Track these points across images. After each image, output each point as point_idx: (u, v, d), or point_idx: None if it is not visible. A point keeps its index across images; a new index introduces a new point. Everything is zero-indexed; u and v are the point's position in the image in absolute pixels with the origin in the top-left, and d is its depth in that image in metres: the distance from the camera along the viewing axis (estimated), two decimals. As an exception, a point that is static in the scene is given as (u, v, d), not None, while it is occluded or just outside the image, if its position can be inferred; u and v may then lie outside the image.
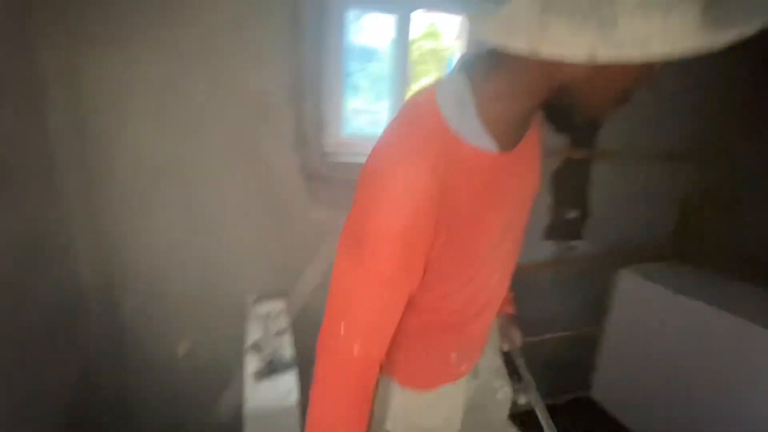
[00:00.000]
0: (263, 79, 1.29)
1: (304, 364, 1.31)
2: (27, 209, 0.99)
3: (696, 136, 1.86)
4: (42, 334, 1.02)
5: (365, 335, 0.54)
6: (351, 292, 0.53)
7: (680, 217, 1.98)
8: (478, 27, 0.40)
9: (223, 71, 1.25)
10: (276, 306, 1.38)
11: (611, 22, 0.32)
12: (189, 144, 1.27)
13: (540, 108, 0.52)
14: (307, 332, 1.56)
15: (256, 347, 1.16)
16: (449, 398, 0.74)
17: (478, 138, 0.51)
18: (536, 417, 0.85)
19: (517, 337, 0.91)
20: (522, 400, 0.89)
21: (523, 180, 0.61)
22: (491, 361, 0.86)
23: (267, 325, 1.26)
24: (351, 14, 1.41)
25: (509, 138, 0.53)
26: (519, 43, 0.36)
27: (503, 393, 0.87)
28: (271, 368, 1.07)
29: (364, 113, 1.57)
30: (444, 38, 1.65)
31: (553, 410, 0.84)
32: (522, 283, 1.08)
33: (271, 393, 1.00)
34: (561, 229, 1.79)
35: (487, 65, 0.50)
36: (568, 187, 1.74)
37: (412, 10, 1.42)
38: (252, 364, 1.10)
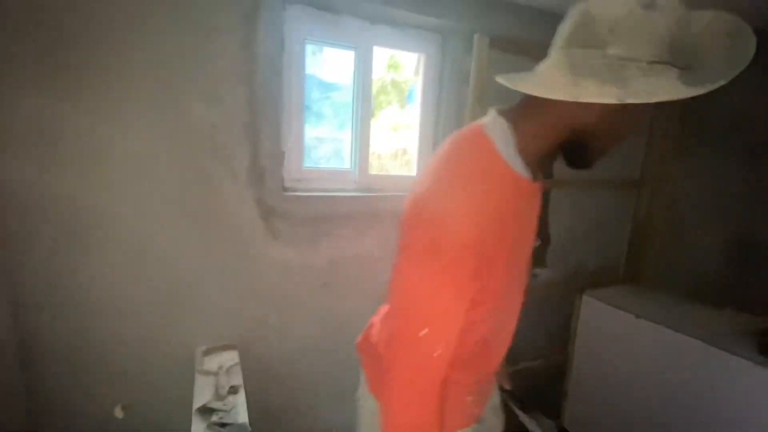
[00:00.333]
0: (216, 112, 1.21)
1: (260, 425, 1.18)
2: None
3: (641, 165, 1.99)
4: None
5: (445, 338, 0.59)
6: (432, 300, 0.58)
7: (631, 241, 2.07)
8: (519, 86, 0.57)
9: (173, 105, 1.16)
10: (229, 358, 1.24)
11: (623, 83, 0.50)
12: (131, 183, 1.15)
13: (559, 148, 0.64)
14: (264, 388, 1.46)
15: (205, 410, 1.01)
16: None
17: (519, 167, 0.60)
18: None
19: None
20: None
21: (533, 223, 0.71)
22: (492, 400, 0.88)
23: (218, 381, 1.12)
24: (310, 48, 1.39)
25: (536, 170, 0.64)
26: (561, 95, 0.52)
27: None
28: (222, 434, 0.94)
29: (327, 141, 1.53)
30: (404, 71, 1.68)
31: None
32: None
33: (222, 465, 0.86)
34: (525, 258, 1.80)
35: (522, 113, 0.62)
36: (529, 216, 1.76)
37: (371, 46, 1.43)
38: (200, 429, 0.95)
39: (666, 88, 0.50)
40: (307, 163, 1.45)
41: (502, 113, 0.63)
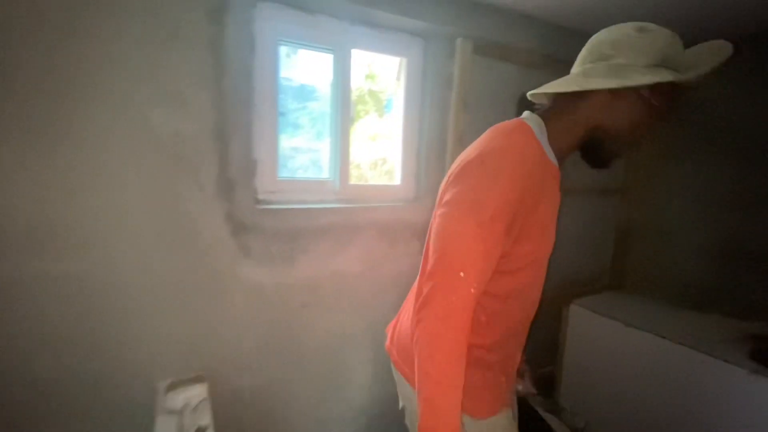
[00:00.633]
0: (179, 118, 1.10)
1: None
2: None
3: (624, 172, 1.99)
4: None
5: (478, 280, 0.66)
6: (470, 245, 0.65)
7: (616, 248, 2.06)
8: (542, 89, 0.77)
9: (128, 109, 1.03)
10: (196, 393, 1.10)
11: (624, 77, 0.67)
12: (82, 197, 1.01)
13: (579, 147, 0.77)
14: (238, 425, 1.31)
15: (166, 459, 0.88)
16: (510, 421, 0.85)
17: (550, 154, 0.74)
18: None
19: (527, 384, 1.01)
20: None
21: (557, 211, 0.79)
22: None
23: (183, 421, 0.98)
24: (285, 50, 1.29)
25: (560, 161, 0.77)
26: (573, 87, 0.71)
27: None
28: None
29: (305, 152, 1.43)
30: (381, 81, 1.61)
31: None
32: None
33: None
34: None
35: (551, 114, 0.76)
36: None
37: (350, 49, 1.34)
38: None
39: (659, 77, 0.65)
40: (283, 174, 1.34)
41: (539, 112, 0.77)
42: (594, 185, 1.90)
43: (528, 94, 0.82)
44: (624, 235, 2.05)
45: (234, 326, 1.25)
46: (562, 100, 0.76)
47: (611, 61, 0.69)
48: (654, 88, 0.68)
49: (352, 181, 1.45)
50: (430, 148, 1.52)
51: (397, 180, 1.54)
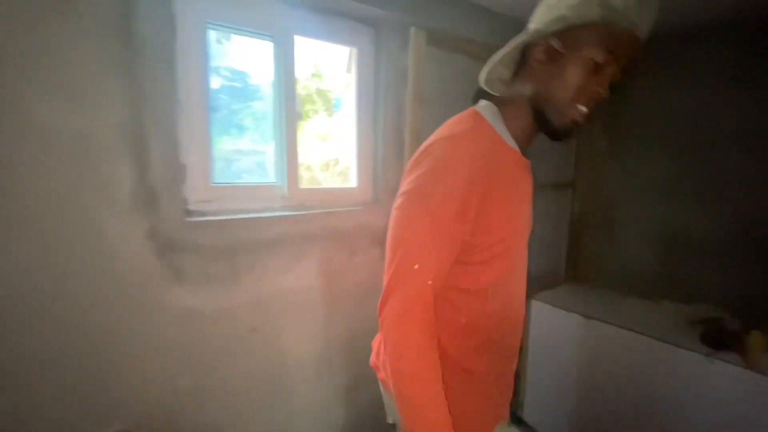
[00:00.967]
0: (81, 116, 0.88)
1: None
2: None
3: (574, 167, 2.02)
4: None
5: (435, 270, 0.64)
6: (421, 236, 0.64)
7: (570, 242, 2.09)
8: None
9: (20, 107, 0.80)
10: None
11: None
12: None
13: (535, 122, 0.72)
14: None
15: None
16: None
17: (508, 139, 0.71)
18: None
19: None
20: None
21: (528, 198, 0.78)
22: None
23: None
24: (215, 35, 1.10)
25: (523, 144, 0.74)
26: (496, 56, 0.73)
27: None
28: None
29: (250, 154, 1.25)
30: (329, 79, 1.48)
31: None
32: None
33: None
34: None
35: (503, 100, 0.75)
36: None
37: (292, 35, 1.19)
38: None
39: (560, 24, 0.64)
40: (224, 178, 1.15)
41: (491, 99, 0.75)
42: (547, 180, 1.91)
43: (480, 80, 0.80)
44: (577, 229, 2.08)
45: (165, 364, 1.04)
46: (511, 83, 0.76)
47: (528, 28, 0.69)
48: (569, 39, 0.64)
49: (303, 184, 1.29)
50: (387, 147, 1.40)
51: (352, 182, 1.41)
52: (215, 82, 1.12)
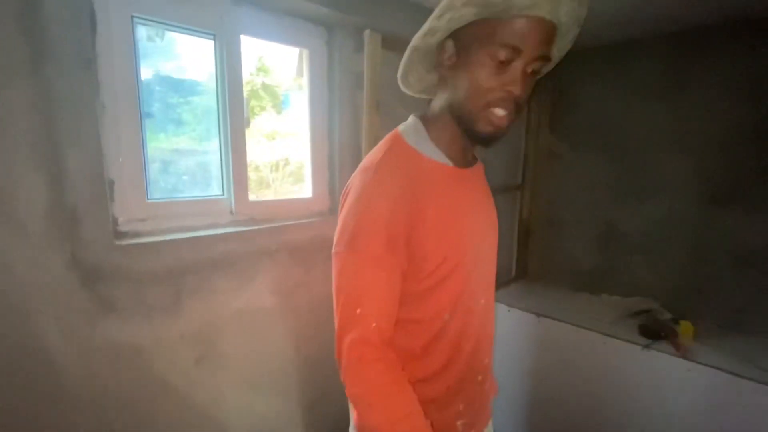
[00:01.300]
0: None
1: None
2: None
3: (521, 171, 2.10)
4: None
5: (378, 310, 0.61)
6: (357, 279, 0.61)
7: (519, 241, 2.17)
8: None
9: None
10: None
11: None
12: None
13: (460, 130, 0.67)
14: None
15: None
16: None
17: (435, 154, 0.68)
18: None
19: None
20: None
21: (482, 202, 0.76)
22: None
23: None
24: (146, 32, 0.97)
25: (458, 156, 0.70)
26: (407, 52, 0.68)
27: None
28: None
29: (190, 154, 1.12)
30: (276, 74, 1.38)
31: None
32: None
33: None
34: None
35: (429, 111, 0.71)
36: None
37: (237, 34, 1.08)
38: None
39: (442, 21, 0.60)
40: (156, 193, 1.02)
41: (419, 116, 0.72)
42: (498, 184, 1.96)
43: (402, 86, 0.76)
44: (525, 229, 2.17)
45: (99, 408, 0.90)
46: (434, 94, 0.73)
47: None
48: (461, 42, 0.61)
49: (252, 189, 1.19)
50: (343, 154, 1.34)
51: (307, 191, 1.33)
52: (146, 74, 0.98)
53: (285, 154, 1.40)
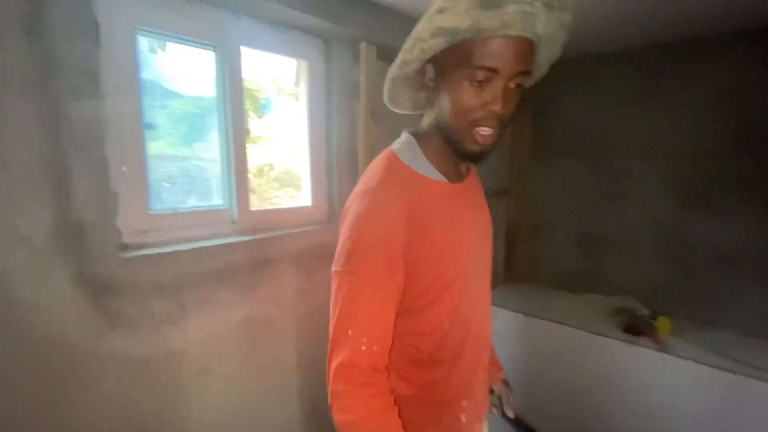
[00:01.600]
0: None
1: None
2: None
3: (507, 176, 2.17)
4: None
5: (369, 332, 0.61)
6: (351, 300, 0.61)
7: (507, 244, 2.25)
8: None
9: None
10: None
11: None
12: None
13: (449, 148, 0.68)
14: None
15: None
16: None
17: (430, 171, 0.68)
18: None
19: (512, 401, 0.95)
20: None
21: (477, 214, 0.77)
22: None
23: None
24: (147, 42, 0.97)
25: (451, 171, 0.71)
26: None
27: None
28: None
29: (166, 159, 1.10)
30: (256, 78, 1.39)
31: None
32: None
33: None
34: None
35: (422, 129, 0.71)
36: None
37: (238, 46, 1.09)
38: None
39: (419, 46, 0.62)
40: (158, 203, 1.02)
41: (412, 133, 0.72)
42: (486, 189, 2.02)
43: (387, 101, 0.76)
44: (513, 232, 2.25)
45: (102, 423, 0.89)
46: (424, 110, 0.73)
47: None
48: (439, 65, 0.62)
49: (253, 206, 1.20)
50: (341, 163, 1.37)
51: (306, 199, 1.35)
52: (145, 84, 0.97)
53: (268, 159, 1.39)
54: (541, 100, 2.06)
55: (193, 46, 1.05)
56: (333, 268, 0.64)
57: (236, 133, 1.11)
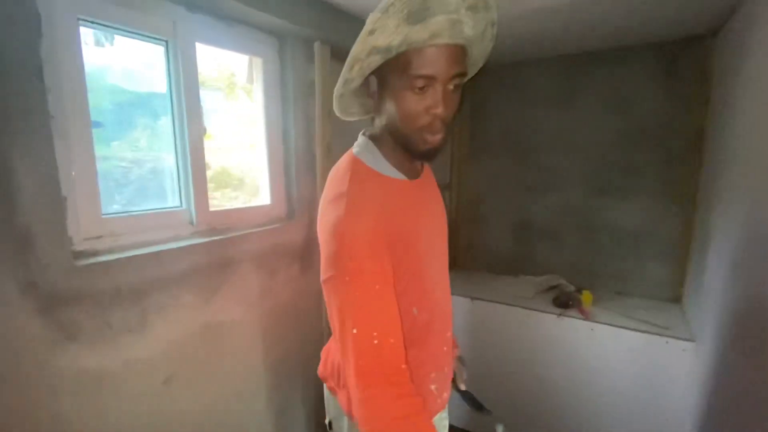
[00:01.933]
0: None
1: None
2: None
3: (449, 171, 2.33)
4: None
5: (377, 324, 0.61)
6: (350, 299, 0.61)
7: (450, 233, 2.41)
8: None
9: None
10: None
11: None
12: None
13: (401, 148, 0.71)
14: None
15: None
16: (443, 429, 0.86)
17: (391, 171, 0.72)
18: None
19: (465, 376, 1.00)
20: (500, 429, 1.02)
21: (435, 207, 0.83)
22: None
23: None
24: (91, 34, 0.90)
25: (409, 169, 0.75)
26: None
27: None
28: None
29: (118, 160, 1.03)
30: (205, 74, 1.35)
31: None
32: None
33: None
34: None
35: (376, 130, 0.74)
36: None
37: (193, 41, 1.06)
38: None
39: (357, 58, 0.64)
40: (110, 206, 0.95)
41: (368, 134, 0.75)
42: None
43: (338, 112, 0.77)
44: (455, 223, 2.42)
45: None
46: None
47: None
48: (380, 77, 0.66)
49: (212, 206, 1.17)
50: (299, 161, 1.38)
51: (265, 198, 1.34)
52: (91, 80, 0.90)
53: (214, 160, 1.35)
54: (475, 103, 2.25)
55: (143, 40, 0.99)
56: (322, 278, 0.65)
57: (192, 130, 1.08)
